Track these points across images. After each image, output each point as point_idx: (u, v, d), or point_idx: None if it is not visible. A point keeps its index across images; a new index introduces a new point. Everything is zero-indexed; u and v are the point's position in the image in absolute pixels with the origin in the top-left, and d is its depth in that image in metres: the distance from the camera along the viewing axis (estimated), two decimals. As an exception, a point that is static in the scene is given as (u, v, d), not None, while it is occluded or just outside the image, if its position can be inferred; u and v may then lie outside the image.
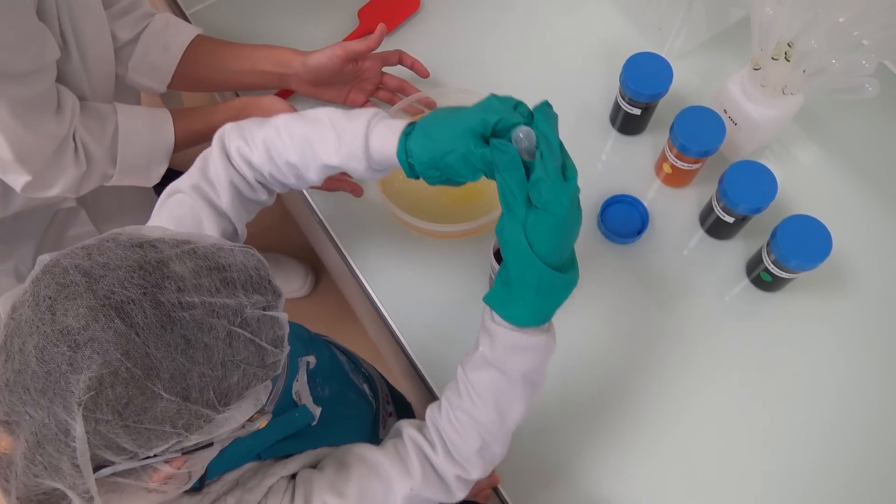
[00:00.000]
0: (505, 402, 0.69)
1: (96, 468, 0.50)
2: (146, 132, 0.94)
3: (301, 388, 0.82)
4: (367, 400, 1.01)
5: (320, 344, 0.95)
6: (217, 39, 1.02)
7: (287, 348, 0.59)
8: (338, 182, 0.98)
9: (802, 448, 0.89)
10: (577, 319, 0.95)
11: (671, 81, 0.96)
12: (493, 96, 0.69)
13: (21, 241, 1.09)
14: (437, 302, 0.96)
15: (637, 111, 1.00)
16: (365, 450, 0.73)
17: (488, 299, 0.68)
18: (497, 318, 0.67)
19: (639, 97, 0.97)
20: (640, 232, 0.98)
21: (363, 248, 1.00)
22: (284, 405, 0.78)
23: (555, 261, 0.64)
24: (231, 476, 0.67)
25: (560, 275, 0.64)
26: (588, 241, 0.99)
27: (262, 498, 0.66)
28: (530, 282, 0.64)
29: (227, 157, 0.76)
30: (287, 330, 0.59)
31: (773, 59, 0.89)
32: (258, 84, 1.02)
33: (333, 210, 1.02)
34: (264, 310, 0.56)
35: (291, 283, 1.90)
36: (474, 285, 0.96)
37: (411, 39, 1.13)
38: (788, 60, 0.88)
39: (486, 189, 0.98)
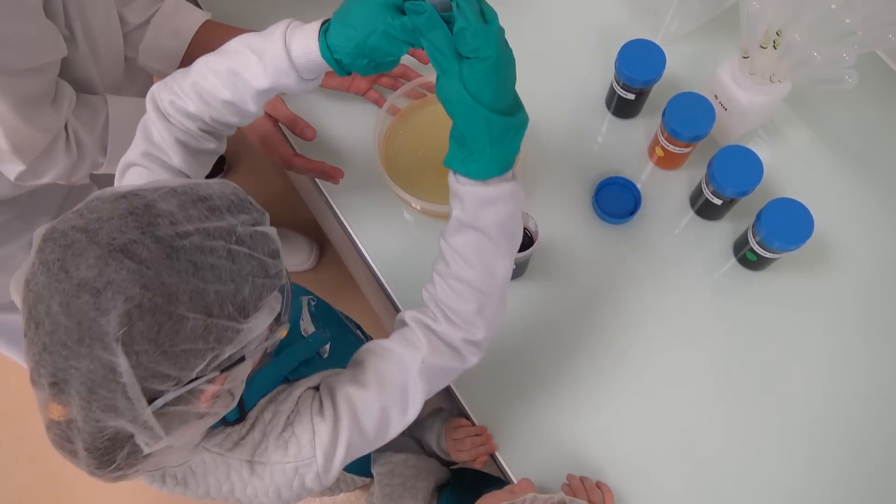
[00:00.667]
0: (489, 258, 0.71)
1: (149, 401, 0.55)
2: (136, 121, 0.98)
3: (307, 325, 0.88)
4: (363, 341, 1.05)
5: (315, 295, 1.00)
6: (226, 26, 1.05)
7: (283, 261, 0.64)
8: (313, 168, 1.01)
9: (785, 420, 0.95)
10: (573, 294, 1.00)
11: (664, 68, 1.00)
12: None
13: (38, 217, 1.13)
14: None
15: (631, 96, 1.03)
16: (373, 344, 0.76)
17: (448, 162, 0.69)
18: (461, 178, 0.69)
19: (633, 83, 1.00)
20: (632, 212, 1.03)
21: (365, 222, 1.05)
22: (295, 338, 0.83)
23: (499, 105, 0.65)
24: (264, 400, 0.73)
25: (508, 118, 0.65)
26: (583, 221, 1.04)
27: (293, 406, 0.72)
28: (481, 132, 0.65)
29: (165, 116, 0.76)
30: (279, 243, 0.64)
31: (761, 47, 0.93)
32: None
33: (338, 186, 1.07)
34: (254, 226, 0.61)
35: (297, 257, 1.95)
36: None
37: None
38: (776, 49, 0.92)
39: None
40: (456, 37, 0.62)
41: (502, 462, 0.94)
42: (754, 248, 0.95)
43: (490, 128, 0.65)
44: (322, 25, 0.69)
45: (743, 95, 0.98)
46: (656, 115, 1.05)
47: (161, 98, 0.75)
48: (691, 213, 1.04)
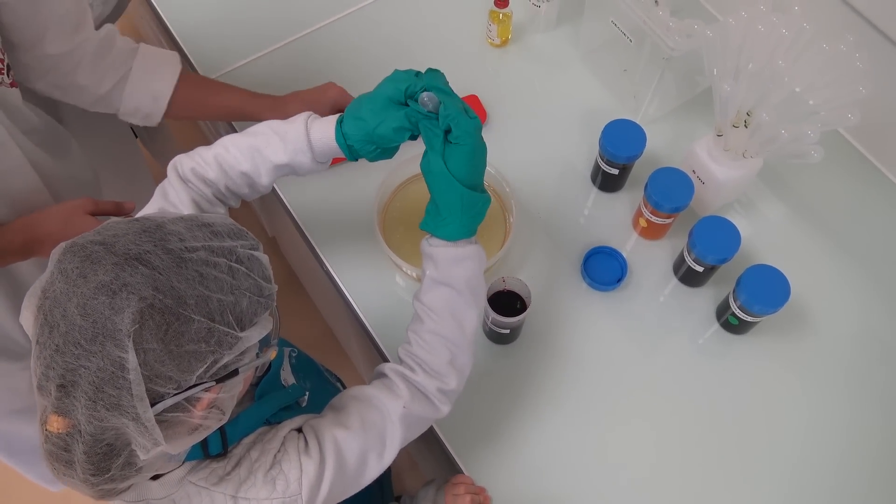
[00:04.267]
0: (459, 312, 0.82)
1: (151, 404, 0.59)
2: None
3: (287, 376, 0.92)
4: None
5: (296, 348, 1.04)
6: (195, 78, 1.11)
7: (275, 286, 0.70)
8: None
9: (772, 477, 0.97)
10: (564, 358, 1.04)
11: (645, 144, 1.07)
12: (397, 70, 0.83)
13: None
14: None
15: (615, 171, 1.10)
16: (355, 390, 0.83)
17: (423, 225, 0.84)
18: (434, 241, 0.83)
19: (616, 159, 1.08)
20: (619, 280, 1.08)
21: (359, 284, 1.09)
22: (276, 387, 0.87)
23: (470, 182, 0.80)
24: (248, 439, 0.76)
25: (476, 193, 0.81)
26: (572, 288, 1.09)
27: (280, 445, 0.75)
28: (454, 201, 0.80)
29: (184, 181, 0.86)
30: (271, 270, 0.70)
31: (733, 126, 1.00)
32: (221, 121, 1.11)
33: (334, 248, 1.12)
34: (251, 250, 0.68)
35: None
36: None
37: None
38: (747, 127, 1.00)
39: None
40: (443, 125, 0.79)
41: (500, 524, 0.95)
42: (736, 312, 1.00)
43: (462, 199, 0.80)
44: (338, 117, 0.84)
45: (718, 170, 1.05)
46: (639, 189, 1.12)
47: (183, 165, 0.87)
48: (675, 280, 1.10)
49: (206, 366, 0.61)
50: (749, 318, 1.00)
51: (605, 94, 1.26)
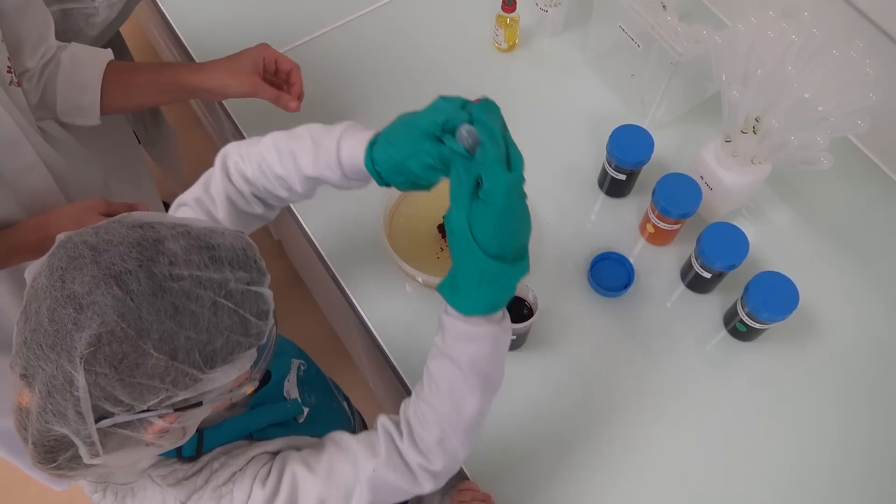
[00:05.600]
0: (458, 392, 0.71)
1: (97, 419, 0.58)
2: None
3: (291, 388, 0.90)
4: (347, 416, 1.08)
5: (309, 359, 1.03)
6: (130, 64, 1.08)
7: (272, 322, 0.66)
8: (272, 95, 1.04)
9: (777, 485, 0.97)
10: (570, 365, 1.04)
11: (653, 150, 1.07)
12: (441, 98, 0.72)
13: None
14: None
15: (622, 177, 1.10)
16: (339, 435, 0.78)
17: (440, 287, 0.70)
18: (448, 308, 0.70)
19: (624, 164, 1.07)
20: (626, 286, 1.07)
21: (370, 294, 1.09)
22: (275, 397, 0.86)
23: (497, 250, 0.65)
24: (221, 449, 0.74)
25: (502, 265, 0.66)
26: (579, 295, 1.09)
27: (244, 465, 0.73)
28: (472, 271, 0.66)
29: (227, 174, 0.83)
30: (272, 306, 0.67)
31: (742, 132, 1.00)
32: (173, 102, 1.10)
33: (344, 260, 1.11)
34: (248, 285, 0.64)
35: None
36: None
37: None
38: (756, 133, 0.99)
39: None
40: (474, 172, 0.65)
41: (505, 532, 0.95)
42: (744, 319, 0.99)
43: (481, 270, 0.66)
44: (372, 137, 0.75)
45: (727, 176, 1.05)
46: (646, 195, 1.12)
47: (229, 157, 0.83)
48: (682, 286, 1.09)
49: (159, 399, 0.59)
50: (757, 326, 0.99)
51: (612, 99, 1.26)
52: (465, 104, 0.69)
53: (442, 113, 0.69)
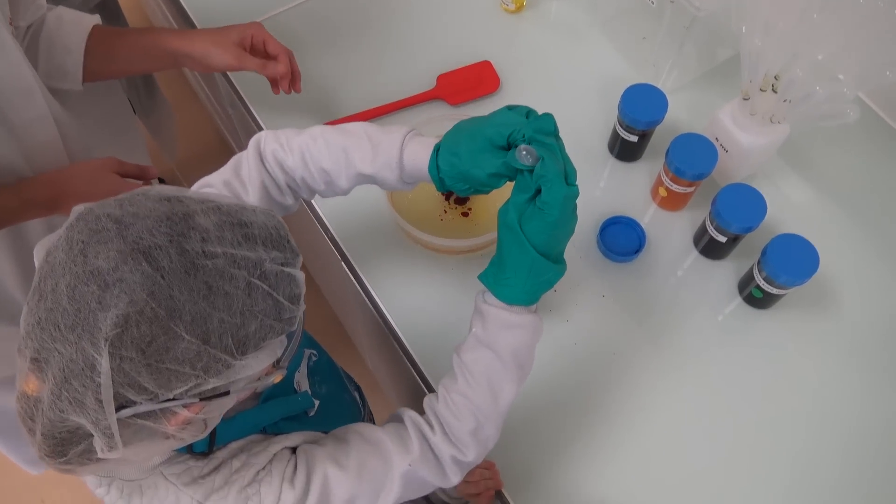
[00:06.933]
0: (497, 381, 0.73)
1: (118, 408, 0.53)
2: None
3: (301, 379, 0.86)
4: (358, 408, 1.04)
5: (320, 347, 0.98)
6: (117, 29, 1.04)
7: (303, 306, 0.62)
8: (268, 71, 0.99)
9: (793, 460, 0.93)
10: (578, 333, 0.99)
11: (666, 110, 1.03)
12: (507, 108, 0.75)
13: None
14: (445, 318, 1.01)
15: (634, 138, 1.06)
16: (364, 428, 0.76)
17: (483, 277, 0.74)
18: (489, 298, 0.74)
19: (636, 124, 1.03)
20: (637, 251, 1.03)
21: (373, 264, 1.05)
22: (286, 390, 0.81)
23: (545, 251, 0.70)
24: (237, 444, 0.70)
25: (550, 263, 0.71)
26: (587, 260, 1.04)
27: (266, 463, 0.69)
28: (523, 265, 0.71)
29: (262, 160, 0.80)
30: (303, 289, 0.63)
31: (761, 90, 0.96)
32: (159, 69, 1.06)
33: (345, 229, 1.07)
34: (283, 266, 0.60)
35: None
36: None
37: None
38: (775, 92, 0.95)
39: (489, 209, 1.04)
40: (534, 184, 0.69)
41: (509, 500, 0.91)
42: (760, 284, 0.95)
43: (532, 265, 0.70)
44: (437, 143, 0.77)
45: (743, 137, 1.01)
46: (658, 159, 1.08)
47: (266, 144, 0.80)
48: (695, 252, 1.05)
49: (187, 387, 0.55)
50: (774, 291, 0.95)
51: (622, 63, 1.22)
52: (528, 112, 0.74)
53: (507, 126, 0.72)
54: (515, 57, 1.22)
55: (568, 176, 0.71)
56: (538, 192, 0.70)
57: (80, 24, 1.00)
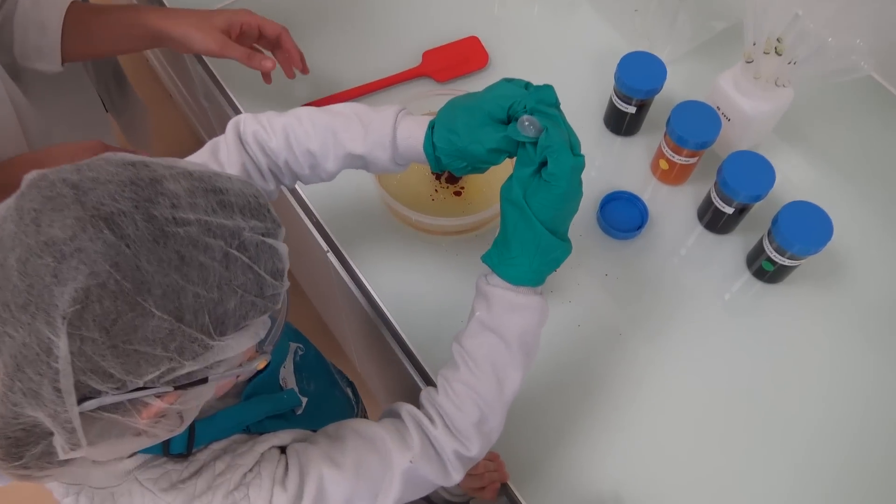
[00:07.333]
0: (502, 367, 0.69)
1: (81, 399, 0.47)
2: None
3: (287, 375, 0.80)
4: (351, 405, 0.99)
5: (307, 341, 0.92)
6: (94, 6, 0.98)
7: (287, 283, 0.57)
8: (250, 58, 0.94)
9: (808, 437, 0.88)
10: (577, 312, 0.94)
11: (665, 78, 0.98)
12: (503, 81, 0.72)
13: None
14: (441, 305, 0.95)
15: (632, 109, 1.01)
16: (360, 424, 0.70)
17: (487, 258, 0.70)
18: (493, 279, 0.70)
19: (634, 94, 0.98)
20: (639, 227, 0.98)
21: (362, 249, 0.99)
22: (271, 387, 0.76)
23: (553, 227, 0.67)
24: (218, 445, 0.64)
25: (558, 240, 0.68)
26: (588, 237, 0.99)
27: (254, 464, 0.63)
28: (530, 243, 0.67)
29: (242, 142, 0.75)
30: (287, 264, 0.57)
31: (764, 52, 0.91)
32: (139, 49, 1.02)
33: (330, 213, 1.01)
34: (263, 236, 0.54)
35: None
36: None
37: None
38: (780, 55, 0.91)
39: (483, 187, 0.98)
40: (539, 156, 0.66)
41: (515, 492, 0.85)
42: (771, 255, 0.91)
43: (539, 242, 0.67)
44: (431, 121, 0.73)
45: (747, 103, 0.96)
46: (656, 133, 1.03)
47: (245, 127, 0.75)
48: (700, 227, 1.00)
49: (159, 372, 0.49)
50: (786, 262, 0.90)
51: (614, 36, 1.17)
52: (527, 85, 0.71)
53: (507, 99, 0.68)
54: (504, 31, 1.17)
55: (573, 146, 0.67)
56: (542, 164, 0.66)
57: (57, 1, 0.94)
